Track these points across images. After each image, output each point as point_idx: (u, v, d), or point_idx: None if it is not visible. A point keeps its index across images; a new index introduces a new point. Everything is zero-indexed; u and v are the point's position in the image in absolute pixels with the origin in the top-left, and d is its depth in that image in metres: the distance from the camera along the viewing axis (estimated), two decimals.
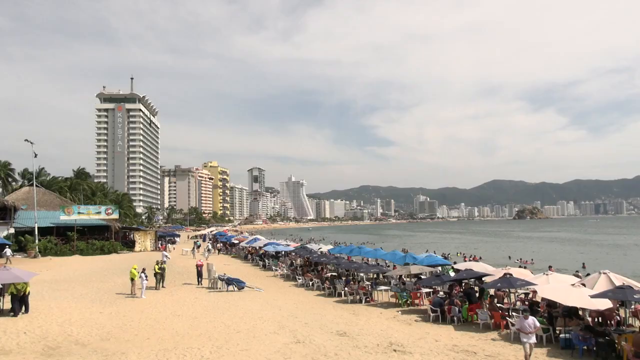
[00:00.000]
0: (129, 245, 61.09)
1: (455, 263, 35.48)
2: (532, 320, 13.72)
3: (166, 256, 43.21)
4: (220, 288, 28.91)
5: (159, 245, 64.41)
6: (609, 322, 17.70)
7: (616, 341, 14.60)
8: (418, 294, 24.86)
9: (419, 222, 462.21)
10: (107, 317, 19.42)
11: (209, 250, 56.75)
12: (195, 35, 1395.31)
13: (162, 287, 28.48)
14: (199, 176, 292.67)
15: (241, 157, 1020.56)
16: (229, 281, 28.77)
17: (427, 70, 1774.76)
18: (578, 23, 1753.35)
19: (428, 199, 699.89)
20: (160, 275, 28.51)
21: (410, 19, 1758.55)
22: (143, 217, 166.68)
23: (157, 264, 28.92)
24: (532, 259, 52.25)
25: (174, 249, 65.45)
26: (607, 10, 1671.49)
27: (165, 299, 24.95)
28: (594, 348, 14.57)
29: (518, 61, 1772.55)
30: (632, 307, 19.24)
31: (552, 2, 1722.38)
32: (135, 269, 26.01)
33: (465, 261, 41.07)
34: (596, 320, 17.78)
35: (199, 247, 63.70)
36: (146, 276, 25.89)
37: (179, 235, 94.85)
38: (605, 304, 16.59)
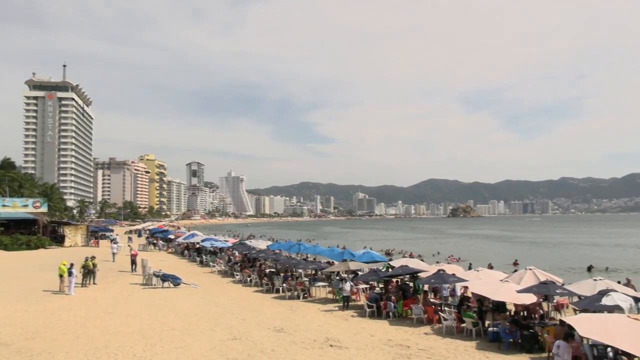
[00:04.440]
0: (58, 240, 58.25)
1: (390, 260, 36.22)
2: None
3: (116, 248, 42.53)
4: (155, 285, 28.18)
5: (92, 241, 61.96)
6: (533, 315, 18.66)
7: (539, 333, 15.43)
8: (355, 290, 25.22)
9: (358, 219, 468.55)
10: (33, 316, 18.52)
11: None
12: (133, 24, 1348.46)
13: (94, 283, 27.45)
14: (135, 169, 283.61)
15: (180, 151, 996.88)
16: (165, 277, 28.10)
17: (367, 70, 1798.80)
18: (509, 31, 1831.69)
19: (367, 197, 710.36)
20: (91, 272, 27.46)
21: (352, 18, 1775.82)
22: (74, 211, 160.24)
23: (87, 259, 27.78)
24: (459, 257, 54.28)
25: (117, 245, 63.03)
26: (538, 19, 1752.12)
27: (96, 296, 24.07)
28: (520, 340, 15.32)
29: (454, 64, 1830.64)
30: (554, 301, 20.39)
31: (486, 10, 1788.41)
32: (64, 264, 24.88)
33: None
34: (522, 314, 18.69)
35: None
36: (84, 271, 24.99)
37: (112, 230, 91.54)
38: (530, 298, 17.49)
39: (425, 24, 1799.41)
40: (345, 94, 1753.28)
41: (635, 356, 11.12)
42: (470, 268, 29.70)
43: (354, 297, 24.55)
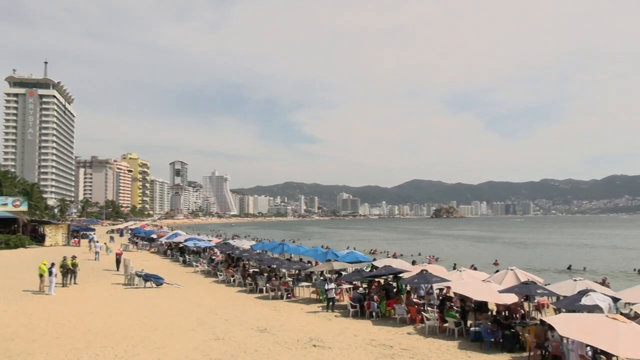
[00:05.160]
0: (39, 240, 57.50)
1: (374, 260, 36.32)
2: None
3: (100, 247, 42.42)
4: (137, 285, 27.95)
5: (73, 240, 61.24)
6: (514, 315, 18.87)
7: (520, 333, 15.61)
8: (339, 290, 25.25)
9: (342, 219, 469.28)
10: (12, 316, 18.24)
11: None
12: (117, 21, 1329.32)
13: (75, 283, 27.13)
14: (118, 168, 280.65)
15: (163, 150, 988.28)
16: (147, 277, 27.89)
17: (353, 70, 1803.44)
18: (493, 34, 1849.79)
19: (351, 197, 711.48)
20: (72, 272, 27.13)
21: (338, 19, 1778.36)
22: (55, 210, 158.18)
23: (66, 259, 27.44)
24: (437, 257, 54.87)
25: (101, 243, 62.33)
26: (521, 22, 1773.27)
27: (77, 296, 23.80)
28: (501, 340, 15.48)
29: (439, 66, 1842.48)
30: (535, 301, 20.64)
31: (471, 11, 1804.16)
32: (44, 264, 24.55)
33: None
34: (503, 313, 18.89)
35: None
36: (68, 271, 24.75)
37: (93, 230, 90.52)
38: (511, 298, 17.68)
39: (411, 25, 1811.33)
40: (330, 94, 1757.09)
41: (613, 355, 11.30)
42: (454, 268, 29.94)
43: (337, 297, 24.58)
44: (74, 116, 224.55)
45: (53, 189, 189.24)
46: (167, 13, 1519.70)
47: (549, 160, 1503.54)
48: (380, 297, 21.41)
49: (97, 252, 43.30)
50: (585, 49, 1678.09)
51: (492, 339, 15.56)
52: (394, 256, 49.11)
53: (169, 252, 51.63)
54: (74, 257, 28.25)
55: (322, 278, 28.97)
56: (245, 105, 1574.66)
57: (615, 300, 16.62)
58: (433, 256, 55.35)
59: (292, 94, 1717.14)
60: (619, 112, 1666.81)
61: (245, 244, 47.97)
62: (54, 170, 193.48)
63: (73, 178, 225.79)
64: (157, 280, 27.97)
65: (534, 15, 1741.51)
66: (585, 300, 14.56)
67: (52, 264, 24.74)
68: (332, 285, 23.14)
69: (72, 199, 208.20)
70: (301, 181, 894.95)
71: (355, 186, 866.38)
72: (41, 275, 24.41)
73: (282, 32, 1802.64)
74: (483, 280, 19.57)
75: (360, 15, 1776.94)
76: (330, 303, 22.45)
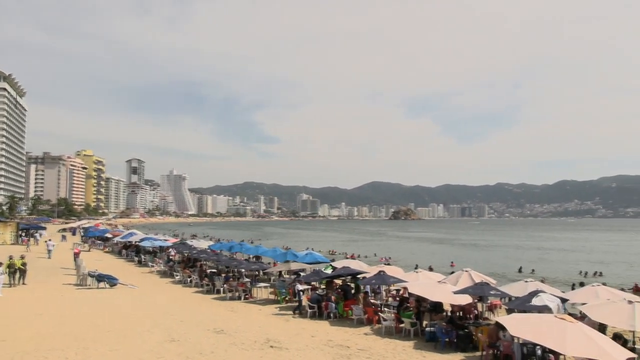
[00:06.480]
0: None
1: (333, 261, 36.52)
2: None
3: (52, 245, 41.35)
4: (89, 285, 27.17)
5: (23, 239, 59.06)
6: (468, 315, 19.31)
7: (474, 333, 15.99)
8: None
9: (301, 220, 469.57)
10: None
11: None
12: (73, 14, 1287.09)
13: (23, 284, 26.16)
14: (71, 165, 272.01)
15: (120, 147, 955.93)
16: (100, 278, 27.14)
17: (315, 71, 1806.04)
18: (452, 41, 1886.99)
19: (311, 198, 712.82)
20: (20, 271, 26.15)
21: (300, 19, 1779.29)
22: (4, 207, 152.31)
23: (12, 258, 26.43)
24: (390, 257, 55.76)
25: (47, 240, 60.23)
26: (477, 31, 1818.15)
27: (25, 296, 22.93)
28: (455, 340, 15.81)
29: (400, 69, 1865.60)
30: (488, 302, 21.19)
31: (431, 17, 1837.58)
32: None
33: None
34: (458, 314, 19.30)
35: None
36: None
37: (44, 228, 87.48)
38: (466, 299, 18.09)
39: (374, 28, 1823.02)
40: (291, 95, 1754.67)
41: (560, 354, 11.71)
42: (416, 269, 30.37)
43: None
44: (25, 110, 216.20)
45: (2, 186, 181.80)
46: (125, 6, 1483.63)
47: (504, 165, 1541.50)
48: (338, 298, 21.53)
49: (49, 251, 42.32)
50: (538, 57, 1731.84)
51: (447, 339, 15.88)
52: (352, 257, 49.52)
53: (123, 251, 50.44)
54: (22, 257, 27.24)
55: (281, 279, 28.99)
56: (205, 103, 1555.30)
57: (564, 301, 17.24)
58: (383, 257, 55.99)
59: (253, 94, 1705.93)
60: (570, 119, 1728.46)
61: (203, 244, 47.41)
62: (2, 166, 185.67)
63: (23, 174, 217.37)
64: (111, 281, 27.27)
65: (490, 24, 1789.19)
66: (535, 301, 15.05)
67: (0, 264, 23.80)
68: (303, 287, 23.05)
69: (22, 196, 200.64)
70: (261, 181, 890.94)
71: (315, 187, 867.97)
72: None
73: (243, 30, 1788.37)
74: (439, 281, 19.95)
75: (325, 16, 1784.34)
76: (301, 305, 21.89)
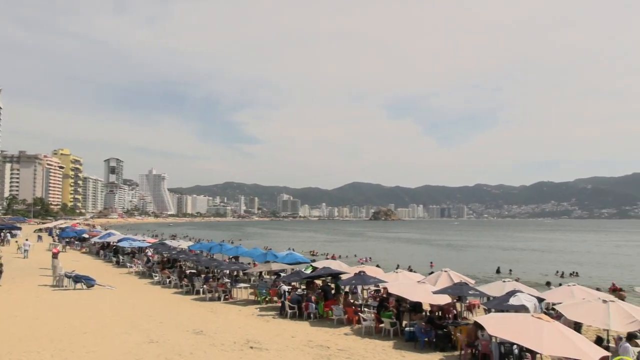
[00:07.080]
0: None
1: (314, 261, 36.51)
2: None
3: (29, 245, 41.54)
4: (66, 286, 26.72)
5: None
6: (447, 315, 19.48)
7: (452, 333, 16.14)
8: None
9: (282, 220, 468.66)
10: None
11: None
12: (50, 9, 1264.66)
13: None
14: (48, 164, 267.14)
15: (98, 146, 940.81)
16: (77, 279, 26.69)
17: (296, 71, 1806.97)
18: (434, 42, 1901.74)
19: (291, 198, 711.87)
20: None
21: (282, 19, 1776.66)
22: None
23: None
24: (370, 257, 56.01)
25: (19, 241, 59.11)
26: (460, 34, 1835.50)
27: (1, 298, 22.48)
28: (434, 340, 15.95)
29: (381, 70, 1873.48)
30: (467, 301, 21.39)
31: (414, 19, 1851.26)
32: None
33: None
34: (437, 314, 19.46)
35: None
36: None
37: (20, 228, 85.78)
38: (445, 299, 18.25)
39: (357, 30, 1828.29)
40: (273, 95, 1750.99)
41: (537, 352, 11.89)
42: (397, 269, 30.51)
43: (275, 298, 24.49)
44: (1, 108, 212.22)
45: None
46: (104, 4, 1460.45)
47: (482, 166, 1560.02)
48: (319, 298, 21.54)
49: (26, 250, 41.77)
50: (518, 60, 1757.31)
51: (426, 339, 16.01)
52: (333, 257, 49.57)
53: (101, 252, 49.71)
54: None
55: (261, 280, 28.90)
56: (185, 103, 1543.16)
57: (540, 300, 17.50)
58: (361, 258, 56.12)
59: (234, 94, 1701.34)
60: (548, 122, 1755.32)
61: (182, 245, 46.99)
62: None
63: None
64: (89, 282, 26.86)
65: (472, 27, 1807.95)
66: (512, 301, 15.25)
67: None
68: (288, 288, 22.98)
69: None
70: (241, 181, 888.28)
71: (296, 187, 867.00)
72: None
73: (225, 30, 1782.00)
74: (418, 282, 20.09)
75: (308, 17, 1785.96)
76: (283, 308, 21.73)
